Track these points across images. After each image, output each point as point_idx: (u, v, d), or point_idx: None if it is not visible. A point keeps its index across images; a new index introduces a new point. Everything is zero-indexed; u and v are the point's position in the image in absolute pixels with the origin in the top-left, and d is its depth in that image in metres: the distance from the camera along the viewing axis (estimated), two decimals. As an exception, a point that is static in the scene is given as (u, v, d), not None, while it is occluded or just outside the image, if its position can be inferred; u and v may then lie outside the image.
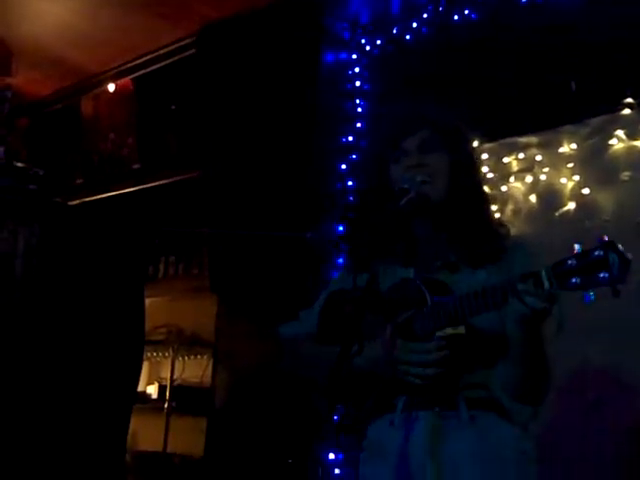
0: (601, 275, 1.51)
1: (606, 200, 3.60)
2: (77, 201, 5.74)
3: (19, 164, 3.81)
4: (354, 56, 4.59)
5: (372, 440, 1.94)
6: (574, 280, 1.55)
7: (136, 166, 5.71)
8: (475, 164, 2.05)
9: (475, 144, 2.07)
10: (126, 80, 5.78)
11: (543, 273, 1.59)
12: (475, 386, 1.81)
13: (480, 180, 2.04)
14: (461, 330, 1.77)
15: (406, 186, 1.87)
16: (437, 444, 1.79)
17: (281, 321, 2.17)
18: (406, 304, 1.85)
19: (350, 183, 4.32)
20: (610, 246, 1.52)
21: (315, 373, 1.99)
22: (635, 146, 3.55)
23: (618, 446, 3.24)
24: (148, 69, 5.60)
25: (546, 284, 1.58)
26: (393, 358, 1.80)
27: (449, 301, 1.78)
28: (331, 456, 3.90)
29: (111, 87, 5.83)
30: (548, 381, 1.86)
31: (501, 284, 1.66)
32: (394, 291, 1.90)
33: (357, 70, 4.56)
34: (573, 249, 1.59)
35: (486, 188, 2.07)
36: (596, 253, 1.53)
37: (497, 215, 1.96)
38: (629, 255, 1.51)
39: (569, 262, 1.56)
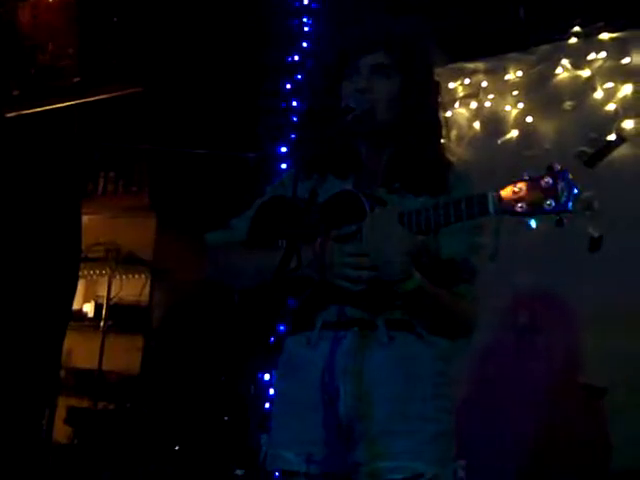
0: (547, 203, 1.49)
1: (548, 129, 3.61)
2: (13, 113, 5.56)
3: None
4: (303, -28, 4.46)
5: (289, 356, 1.92)
6: (520, 206, 1.52)
7: (76, 79, 5.53)
8: (430, 90, 1.95)
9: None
10: (67, -13, 5.55)
11: (490, 196, 1.55)
12: (397, 307, 1.77)
13: (434, 106, 1.95)
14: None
15: (352, 104, 1.83)
16: (355, 363, 1.76)
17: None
18: (344, 215, 1.80)
19: (294, 103, 4.25)
20: (560, 175, 1.49)
21: (241, 281, 1.95)
22: (579, 76, 3.55)
23: (549, 367, 3.33)
24: (91, -24, 5.37)
25: (491, 207, 1.54)
26: (327, 261, 1.74)
27: (412, 211, 1.68)
28: (266, 377, 3.92)
29: (51, -6, 5.59)
30: (467, 322, 1.85)
31: (477, 194, 1.58)
32: (333, 201, 1.86)
33: (306, -13, 4.44)
34: (513, 177, 1.54)
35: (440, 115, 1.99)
36: (545, 180, 1.50)
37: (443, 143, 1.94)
38: (577, 187, 1.48)
39: (516, 187, 1.53)
